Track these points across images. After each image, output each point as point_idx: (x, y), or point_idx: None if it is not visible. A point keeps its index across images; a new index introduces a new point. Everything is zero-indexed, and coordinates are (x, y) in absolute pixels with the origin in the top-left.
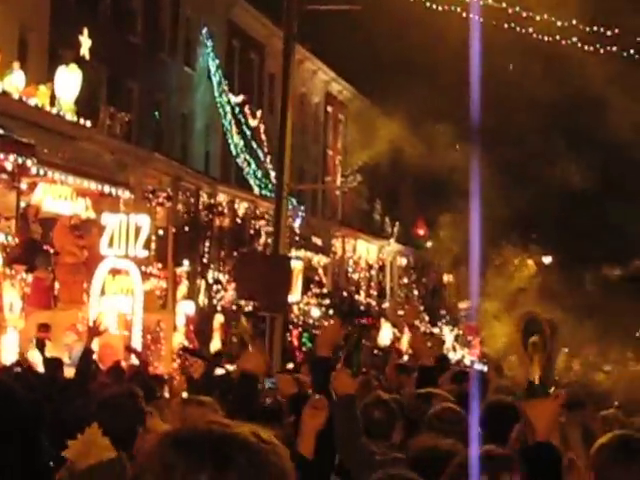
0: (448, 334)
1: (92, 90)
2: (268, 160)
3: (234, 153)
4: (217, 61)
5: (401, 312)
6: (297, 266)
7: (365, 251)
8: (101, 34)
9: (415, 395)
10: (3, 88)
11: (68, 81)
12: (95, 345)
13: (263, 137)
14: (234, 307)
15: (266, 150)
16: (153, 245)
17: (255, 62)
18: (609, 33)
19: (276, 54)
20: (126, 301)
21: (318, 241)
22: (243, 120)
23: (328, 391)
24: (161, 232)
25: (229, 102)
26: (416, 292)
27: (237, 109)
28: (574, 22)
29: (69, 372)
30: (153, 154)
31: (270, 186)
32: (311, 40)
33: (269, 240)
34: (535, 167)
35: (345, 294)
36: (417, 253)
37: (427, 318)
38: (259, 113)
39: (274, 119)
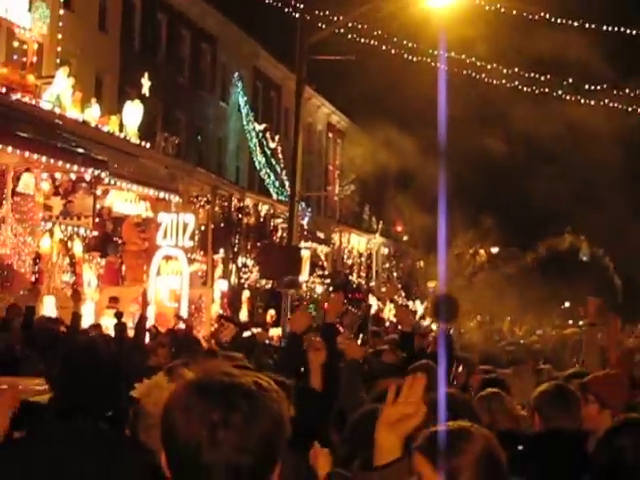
0: (419, 306)
1: (150, 119)
2: (284, 173)
3: (258, 168)
4: (245, 98)
5: (384, 289)
6: (305, 254)
7: (357, 243)
8: (158, 77)
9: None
10: (83, 118)
11: (133, 112)
12: (153, 314)
13: (280, 156)
14: (257, 285)
15: (282, 166)
16: (196, 237)
17: (274, 99)
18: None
19: (290, 93)
20: (176, 280)
21: (321, 235)
22: (265, 143)
23: (333, 347)
24: (202, 227)
25: (254, 129)
26: (395, 274)
27: (260, 135)
28: (516, 69)
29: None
30: (196, 168)
31: (285, 193)
32: (316, 81)
33: (284, 234)
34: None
35: (343, 273)
36: (396, 244)
37: (403, 294)
38: (277, 138)
39: (288, 142)
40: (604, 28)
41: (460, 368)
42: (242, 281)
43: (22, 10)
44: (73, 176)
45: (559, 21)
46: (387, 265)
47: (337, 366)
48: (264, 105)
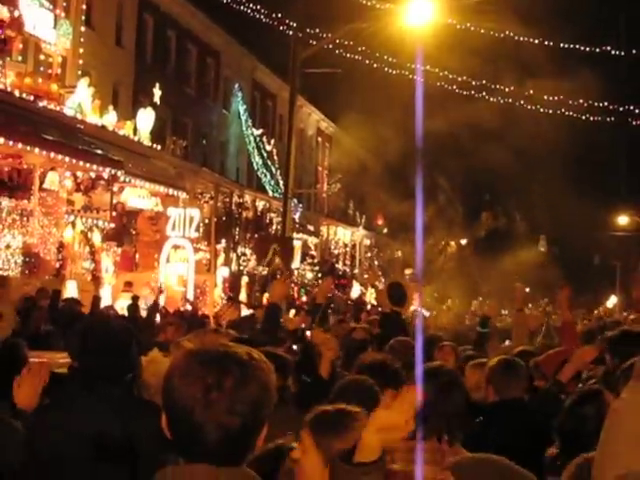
0: None
1: (161, 125)
2: (278, 173)
3: (255, 168)
4: (244, 106)
5: (366, 276)
6: (297, 244)
7: (342, 235)
8: (167, 87)
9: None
10: (102, 123)
11: (145, 118)
12: (163, 297)
13: (275, 157)
14: (255, 271)
15: (277, 166)
16: (201, 229)
17: (270, 107)
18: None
19: (284, 101)
20: (183, 267)
21: (311, 228)
22: (261, 146)
23: (324, 325)
24: (206, 221)
25: (252, 134)
26: (376, 263)
27: (257, 139)
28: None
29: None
30: (201, 168)
31: (279, 190)
32: (308, 92)
33: (278, 227)
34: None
35: (329, 261)
36: (377, 236)
37: (383, 280)
38: (272, 141)
39: (282, 145)
40: (561, 45)
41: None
42: (241, 268)
43: (48, 27)
44: (93, 174)
45: (522, 39)
46: (369, 255)
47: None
48: (261, 112)
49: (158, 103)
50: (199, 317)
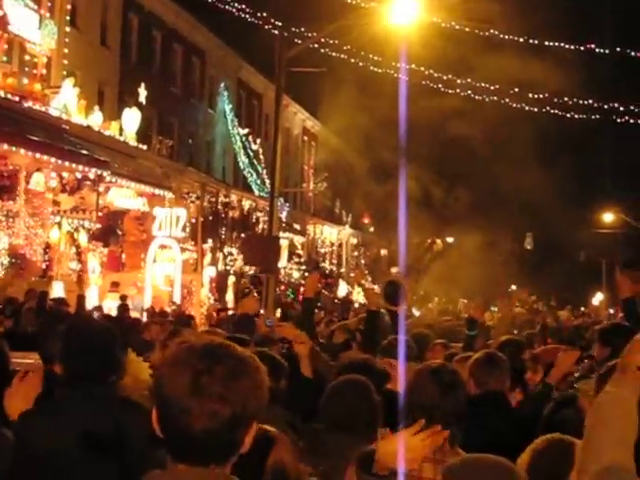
0: None
1: (147, 125)
2: (264, 172)
3: (241, 167)
4: (230, 105)
5: (352, 274)
6: (283, 243)
7: (329, 234)
8: (153, 87)
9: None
10: (87, 123)
11: (131, 118)
12: (150, 296)
13: (261, 157)
14: (242, 271)
15: (263, 165)
16: (188, 229)
17: (255, 106)
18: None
19: (270, 101)
20: (170, 267)
21: (297, 227)
22: (247, 145)
23: (312, 318)
24: (193, 220)
25: (238, 133)
26: (363, 261)
27: (243, 138)
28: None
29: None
30: (187, 168)
31: (265, 189)
32: (293, 91)
33: (265, 226)
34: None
35: (314, 260)
36: (363, 235)
37: (370, 279)
38: (258, 141)
39: (268, 145)
40: (545, 44)
41: None
42: (228, 268)
43: (33, 27)
44: (79, 175)
45: (505, 37)
46: (355, 253)
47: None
48: (247, 112)
49: (144, 103)
50: (185, 317)
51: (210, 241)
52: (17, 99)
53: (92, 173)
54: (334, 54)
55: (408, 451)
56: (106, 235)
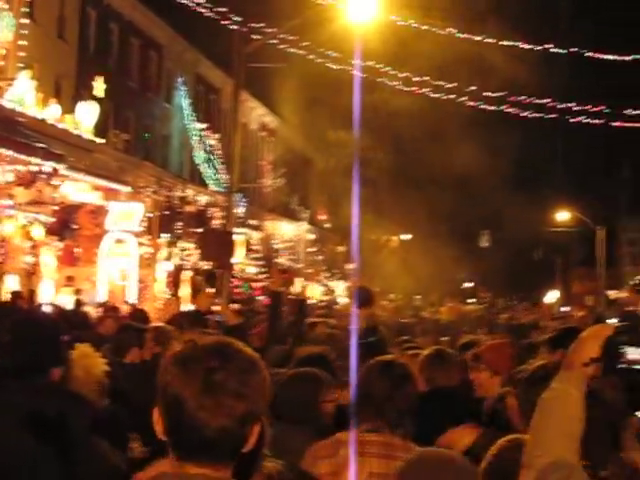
0: (340, 285)
1: (103, 118)
2: (221, 167)
3: (199, 162)
4: (188, 100)
5: (309, 270)
6: (240, 239)
7: (286, 229)
8: (110, 80)
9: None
10: (43, 117)
11: (87, 112)
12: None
13: (218, 152)
14: (197, 266)
15: (220, 161)
16: (143, 223)
17: (213, 101)
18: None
19: (227, 96)
20: (125, 261)
21: (254, 222)
22: (205, 140)
23: (278, 310)
24: (149, 215)
25: (195, 128)
26: (320, 257)
27: (201, 133)
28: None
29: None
30: (144, 162)
31: (222, 185)
32: (252, 86)
33: (221, 221)
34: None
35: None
36: (320, 231)
37: (327, 275)
38: (216, 136)
39: (226, 140)
40: (502, 43)
41: None
42: (183, 263)
43: None
44: (34, 168)
45: (463, 36)
46: (313, 249)
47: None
48: (204, 107)
49: (100, 96)
50: (140, 312)
51: (166, 236)
52: None
53: (47, 167)
54: (293, 50)
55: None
56: (61, 229)
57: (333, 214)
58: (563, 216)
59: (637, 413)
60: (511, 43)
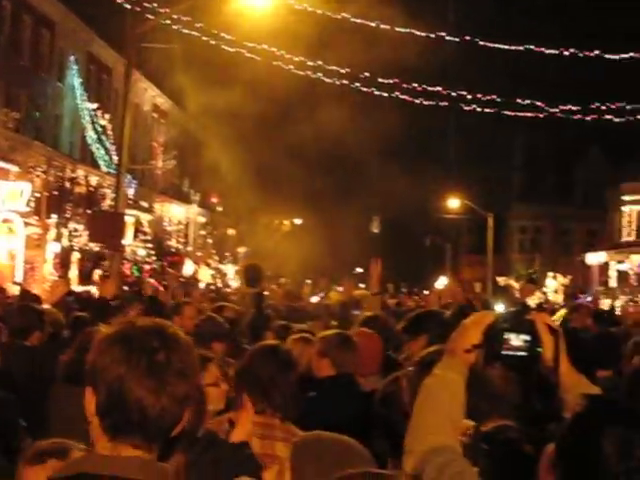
0: (230, 269)
1: None
2: (112, 148)
3: (89, 143)
4: (80, 79)
5: (199, 253)
6: (130, 221)
7: (176, 212)
8: (0, 58)
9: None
10: None
11: None
12: None
13: (109, 132)
14: (86, 247)
15: (111, 141)
16: (32, 203)
17: (105, 81)
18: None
19: (120, 76)
20: (12, 240)
21: (145, 204)
22: (96, 120)
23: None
24: (38, 195)
25: (87, 108)
26: (210, 240)
27: (92, 113)
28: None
29: None
30: (34, 142)
31: (113, 166)
32: (144, 67)
33: (112, 202)
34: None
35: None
36: (211, 214)
37: (217, 258)
38: (107, 116)
39: (117, 120)
40: (397, 29)
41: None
42: (73, 244)
43: None
44: None
45: (357, 21)
46: (203, 232)
47: None
48: (96, 86)
49: None
50: (29, 293)
51: (55, 216)
52: None
53: None
54: (186, 32)
55: None
56: None
57: (224, 197)
58: (454, 203)
59: None
60: (405, 30)
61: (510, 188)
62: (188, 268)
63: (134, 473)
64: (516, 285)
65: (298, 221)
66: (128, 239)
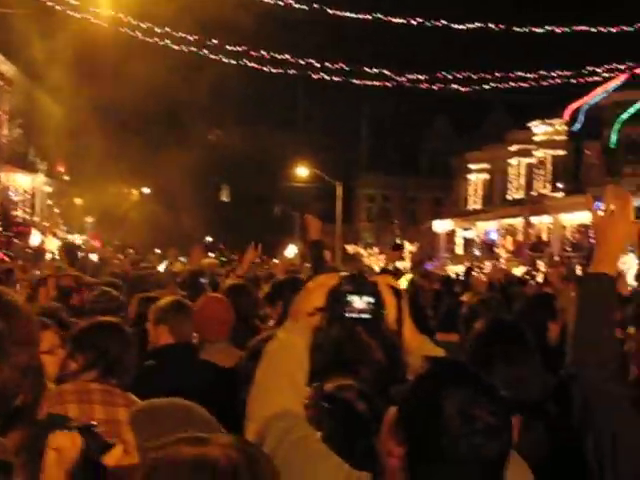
0: (78, 239)
1: None
2: None
3: None
4: None
5: (46, 223)
6: None
7: (22, 181)
8: None
9: None
10: None
11: None
12: None
13: None
14: None
15: None
16: None
17: None
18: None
19: None
20: None
21: None
22: None
23: None
24: None
25: None
26: (57, 210)
27: None
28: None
29: None
30: None
31: None
32: None
33: None
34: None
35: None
36: (58, 183)
37: (65, 228)
38: None
39: None
40: None
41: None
42: None
43: None
44: None
45: None
46: (50, 202)
47: None
48: None
49: None
50: None
51: None
52: None
53: None
54: None
55: None
56: None
57: (71, 166)
58: (303, 172)
59: None
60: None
61: (358, 157)
62: (35, 239)
63: None
64: (364, 253)
65: (146, 190)
66: None
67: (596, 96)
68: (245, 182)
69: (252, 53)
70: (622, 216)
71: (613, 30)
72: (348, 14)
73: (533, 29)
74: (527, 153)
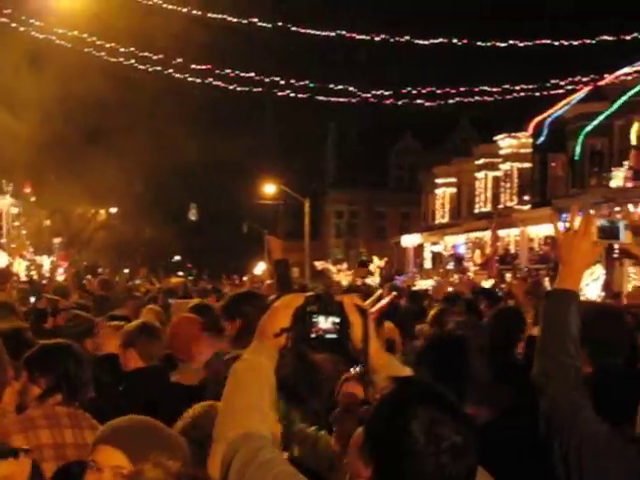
0: (46, 260)
1: None
2: None
3: None
4: None
5: (13, 245)
6: None
7: None
8: None
9: None
10: None
11: None
12: None
13: None
14: None
15: None
16: None
17: None
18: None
19: None
20: None
21: None
22: None
23: None
24: None
25: None
26: (24, 231)
27: None
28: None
29: None
30: None
31: None
32: None
33: None
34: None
35: None
36: (25, 205)
37: (32, 249)
38: None
39: None
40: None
41: None
42: None
43: None
44: None
45: (170, 7)
46: (17, 223)
47: None
48: None
49: None
50: None
51: None
52: None
53: None
54: None
55: None
56: None
57: (38, 187)
58: (271, 189)
59: None
60: (219, 16)
61: (325, 173)
62: (1, 260)
63: None
64: (333, 269)
65: (114, 210)
66: None
67: (560, 109)
68: (213, 200)
69: (217, 71)
70: (585, 235)
71: (575, 43)
72: (312, 31)
73: (496, 43)
74: (494, 166)
